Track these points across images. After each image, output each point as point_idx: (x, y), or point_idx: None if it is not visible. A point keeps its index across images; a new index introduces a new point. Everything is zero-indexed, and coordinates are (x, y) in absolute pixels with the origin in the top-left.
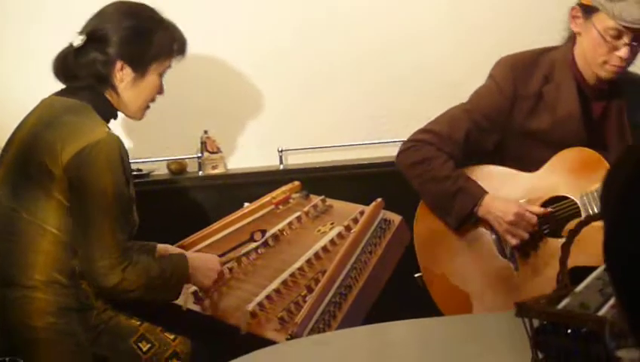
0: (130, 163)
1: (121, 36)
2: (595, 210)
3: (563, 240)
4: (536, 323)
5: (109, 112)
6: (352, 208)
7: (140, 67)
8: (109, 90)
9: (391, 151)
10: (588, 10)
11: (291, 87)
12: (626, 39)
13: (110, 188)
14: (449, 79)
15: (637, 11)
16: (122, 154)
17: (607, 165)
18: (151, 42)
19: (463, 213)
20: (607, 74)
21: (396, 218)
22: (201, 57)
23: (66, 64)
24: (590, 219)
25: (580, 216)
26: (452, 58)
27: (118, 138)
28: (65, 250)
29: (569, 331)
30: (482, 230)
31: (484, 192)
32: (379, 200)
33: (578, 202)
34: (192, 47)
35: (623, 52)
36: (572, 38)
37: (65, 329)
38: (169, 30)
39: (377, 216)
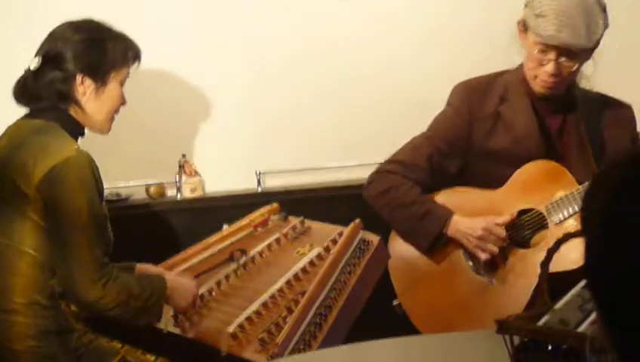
0: (101, 178)
1: (75, 50)
2: (561, 218)
3: (532, 250)
4: (517, 340)
5: (75, 130)
6: (331, 229)
7: (99, 77)
8: (73, 107)
9: (367, 173)
10: (525, 25)
11: (268, 111)
12: (551, 55)
13: (84, 205)
14: (423, 103)
15: (552, 27)
16: (93, 170)
17: (568, 173)
18: (105, 51)
19: (432, 235)
20: (539, 89)
21: (375, 238)
22: (178, 81)
23: (27, 88)
24: (569, 236)
25: (547, 225)
26: (426, 82)
27: (87, 154)
28: (43, 271)
29: (550, 348)
30: (454, 250)
31: (450, 213)
32: (357, 221)
33: (544, 212)
34: (169, 71)
35: (549, 67)
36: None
37: (45, 352)
38: (120, 39)
39: (356, 236)
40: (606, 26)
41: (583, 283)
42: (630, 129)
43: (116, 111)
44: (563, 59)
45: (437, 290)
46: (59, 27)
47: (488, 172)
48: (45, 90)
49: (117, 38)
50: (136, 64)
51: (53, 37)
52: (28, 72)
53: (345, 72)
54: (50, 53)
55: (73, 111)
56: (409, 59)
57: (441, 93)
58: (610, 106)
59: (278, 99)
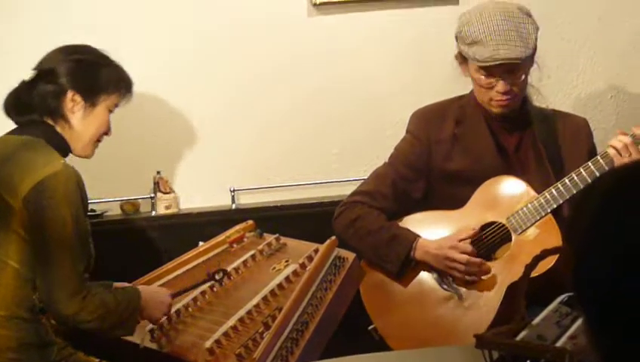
0: (86, 194)
1: (69, 67)
2: (523, 227)
3: (497, 262)
4: (495, 354)
5: (62, 146)
6: (307, 246)
7: (90, 96)
8: (60, 123)
9: (341, 191)
10: (462, 57)
11: (242, 128)
12: (497, 75)
13: (69, 220)
14: (399, 117)
15: (488, 50)
16: (79, 185)
17: (525, 184)
18: (99, 74)
19: (400, 259)
20: (496, 110)
21: (350, 255)
22: (153, 98)
23: (19, 99)
24: (546, 253)
25: (510, 236)
26: (401, 96)
27: (74, 169)
28: (26, 284)
29: None
30: (422, 270)
31: (416, 236)
32: (333, 238)
33: (506, 223)
34: (144, 88)
35: (499, 87)
36: None
37: None
38: (114, 67)
39: (331, 253)
40: (536, 28)
41: (560, 298)
42: (587, 142)
43: (100, 137)
44: (509, 75)
45: (409, 311)
46: (54, 50)
47: (451, 193)
48: (36, 102)
49: (112, 65)
50: (127, 97)
51: (49, 57)
52: (22, 83)
53: (319, 89)
54: (45, 67)
55: (60, 128)
56: (385, 70)
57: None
58: (565, 121)
59: (252, 116)
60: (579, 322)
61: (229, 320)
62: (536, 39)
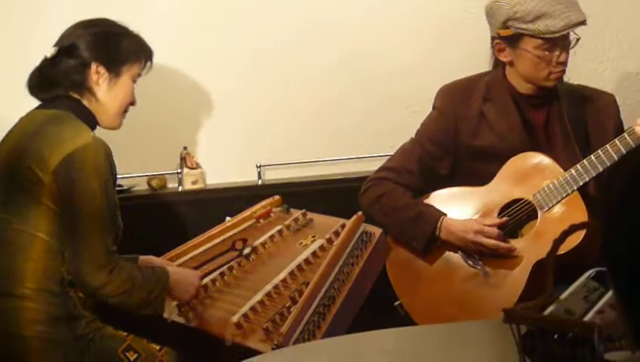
0: (115, 166)
1: (90, 40)
2: (549, 205)
3: (523, 239)
4: (523, 329)
5: (89, 119)
6: (333, 221)
7: (113, 67)
8: (87, 96)
9: (367, 167)
10: (512, 39)
11: (269, 103)
12: (560, 45)
13: (98, 192)
14: (426, 93)
15: (559, 20)
16: (109, 157)
17: (553, 162)
18: (119, 44)
19: (425, 237)
20: (552, 83)
21: (377, 231)
22: (179, 74)
23: (43, 75)
24: (573, 230)
25: (537, 213)
26: (428, 71)
27: (103, 142)
28: (55, 258)
29: (556, 336)
30: (448, 247)
31: (441, 214)
32: (359, 213)
33: (532, 200)
34: (171, 64)
35: (562, 57)
36: (498, 63)
37: (54, 338)
38: (134, 37)
39: (358, 228)
40: None
41: (588, 273)
42: (613, 117)
43: (127, 107)
44: (566, 42)
45: (435, 288)
46: (73, 25)
47: (477, 170)
48: (60, 78)
49: (131, 35)
50: (148, 65)
51: (68, 31)
52: (44, 60)
53: (345, 66)
54: (65, 43)
55: (87, 101)
56: (409, 57)
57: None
58: (591, 96)
59: (278, 92)
60: (607, 297)
61: (256, 295)
62: None
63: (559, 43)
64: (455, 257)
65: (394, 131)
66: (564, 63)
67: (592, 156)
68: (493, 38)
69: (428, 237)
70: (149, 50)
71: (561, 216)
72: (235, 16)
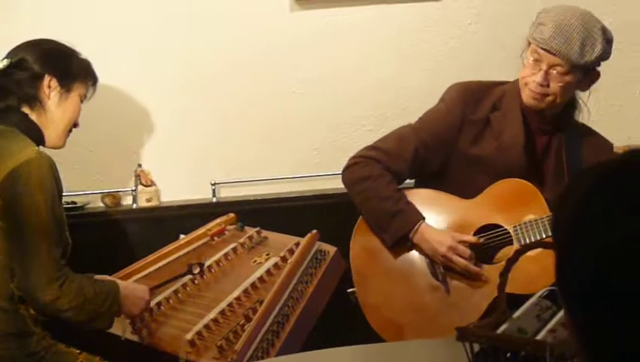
0: (61, 181)
1: (42, 55)
2: (527, 240)
3: (495, 266)
4: (477, 347)
5: (35, 135)
6: (288, 239)
7: (65, 82)
8: (37, 110)
9: (323, 185)
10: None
11: (223, 121)
12: (543, 65)
13: (43, 206)
14: (380, 112)
15: (547, 33)
16: (53, 171)
17: (542, 198)
18: (71, 61)
19: (398, 235)
20: (526, 98)
21: (331, 249)
22: (133, 91)
23: None
24: (527, 247)
25: (512, 244)
26: (382, 91)
27: (48, 157)
28: (3, 274)
29: (508, 355)
30: (417, 251)
31: (421, 218)
32: (314, 231)
33: (511, 231)
34: (125, 81)
35: (538, 76)
36: None
37: (5, 355)
38: (84, 60)
39: (313, 246)
40: (604, 53)
41: (540, 292)
42: None
43: (72, 126)
44: (554, 71)
45: (392, 288)
46: (23, 42)
47: (467, 178)
48: (14, 86)
49: (81, 57)
50: (94, 89)
51: (18, 47)
52: None
53: (300, 83)
54: (14, 58)
55: (36, 115)
56: (363, 71)
57: (395, 105)
58: (592, 140)
59: (233, 110)
60: (559, 316)
61: (210, 313)
62: (598, 57)
63: (543, 61)
64: (420, 263)
65: (349, 149)
66: (539, 84)
67: None
68: None
69: (400, 236)
70: (96, 75)
71: (536, 256)
72: (188, 34)
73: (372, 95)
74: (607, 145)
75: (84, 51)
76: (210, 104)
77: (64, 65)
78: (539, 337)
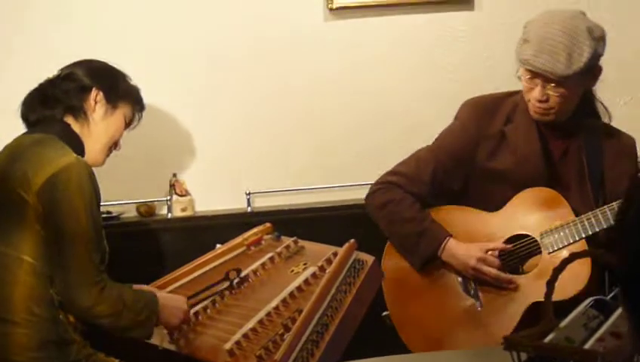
0: (98, 187)
1: (92, 70)
2: (555, 247)
3: (524, 276)
4: (524, 356)
5: (75, 145)
6: (324, 249)
7: (111, 98)
8: (80, 121)
9: (357, 194)
10: None
11: (259, 132)
12: (537, 80)
13: (82, 210)
14: (415, 123)
15: (530, 52)
16: (91, 177)
17: (566, 203)
18: (119, 81)
19: (426, 256)
20: (533, 114)
21: (369, 258)
22: (170, 101)
23: (42, 93)
24: (575, 256)
25: (540, 253)
26: (418, 102)
27: (86, 163)
28: (42, 280)
29: None
30: (447, 268)
31: (447, 235)
32: (352, 241)
33: (538, 240)
34: (162, 91)
35: (535, 93)
36: None
37: None
38: (131, 84)
39: (351, 256)
40: (596, 53)
41: (587, 301)
42: (630, 163)
43: (113, 146)
44: (549, 86)
45: (426, 308)
46: (76, 61)
47: (488, 192)
48: (61, 95)
49: (130, 82)
50: (140, 116)
51: (69, 65)
52: (46, 81)
53: (336, 93)
54: (64, 71)
55: (79, 126)
56: (397, 82)
57: (428, 115)
58: (613, 138)
59: (269, 120)
60: (607, 325)
61: (248, 322)
62: (588, 62)
63: (537, 78)
64: (452, 280)
65: (383, 161)
66: (541, 101)
67: (606, 208)
68: None
69: (428, 256)
70: (143, 102)
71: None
72: (227, 46)
73: (408, 106)
74: (629, 142)
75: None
76: (245, 115)
77: (113, 81)
78: (587, 346)
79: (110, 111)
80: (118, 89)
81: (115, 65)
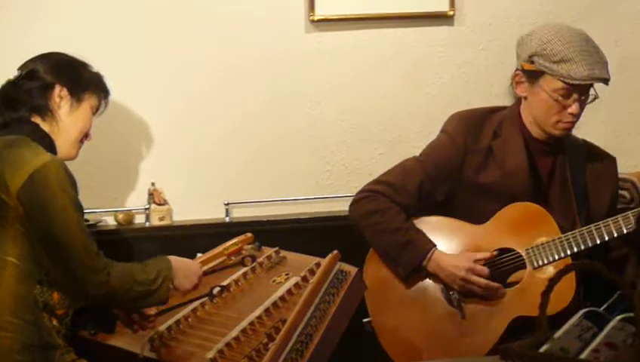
0: (76, 183)
1: (53, 65)
2: (540, 263)
3: (508, 290)
4: None
5: (47, 144)
6: (307, 260)
7: (75, 91)
8: (48, 120)
9: (332, 207)
10: (533, 75)
11: (238, 142)
12: (575, 96)
13: (69, 205)
14: (392, 136)
15: (584, 68)
16: (69, 174)
17: (552, 220)
18: (81, 72)
19: (412, 266)
20: (560, 132)
21: (352, 269)
22: (148, 110)
23: (5, 96)
24: (571, 268)
25: (525, 268)
26: (395, 115)
27: (61, 160)
28: (26, 281)
29: None
30: (430, 278)
31: (432, 246)
32: (335, 252)
33: (523, 255)
34: (140, 99)
35: (574, 108)
36: (518, 99)
37: None
38: (95, 73)
39: (334, 267)
40: None
41: (581, 312)
42: (611, 181)
43: (84, 137)
44: (583, 97)
45: (408, 316)
46: (34, 56)
47: (474, 205)
48: (24, 96)
49: (92, 70)
50: (106, 102)
51: (29, 60)
52: (7, 82)
53: (314, 105)
54: (25, 69)
55: (47, 125)
56: (378, 95)
57: (409, 130)
58: (595, 156)
59: (247, 131)
60: (601, 336)
61: (231, 331)
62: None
63: (576, 92)
64: (435, 290)
65: (360, 173)
66: (576, 115)
67: (592, 227)
68: (516, 70)
69: (414, 266)
70: (107, 88)
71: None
72: (206, 56)
73: (385, 118)
74: (609, 159)
75: (100, 69)
76: (224, 126)
77: (75, 75)
78: (582, 357)
79: (76, 105)
80: (81, 81)
81: (75, 55)
